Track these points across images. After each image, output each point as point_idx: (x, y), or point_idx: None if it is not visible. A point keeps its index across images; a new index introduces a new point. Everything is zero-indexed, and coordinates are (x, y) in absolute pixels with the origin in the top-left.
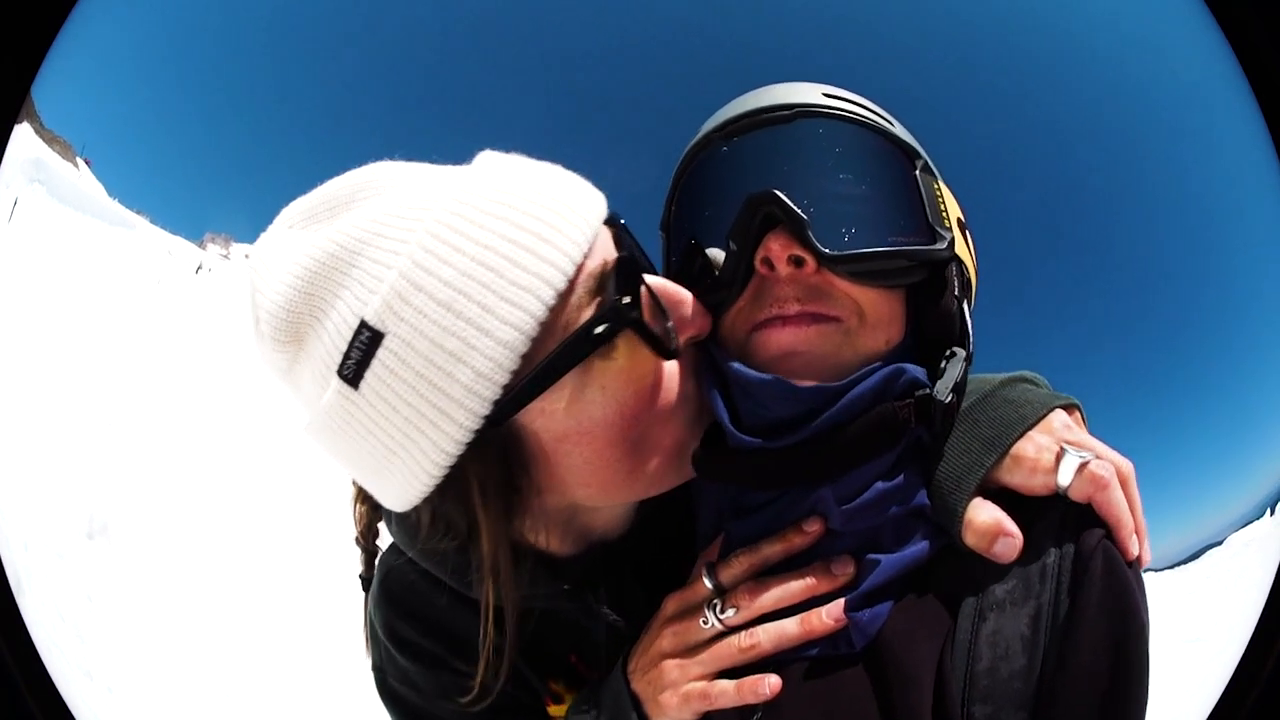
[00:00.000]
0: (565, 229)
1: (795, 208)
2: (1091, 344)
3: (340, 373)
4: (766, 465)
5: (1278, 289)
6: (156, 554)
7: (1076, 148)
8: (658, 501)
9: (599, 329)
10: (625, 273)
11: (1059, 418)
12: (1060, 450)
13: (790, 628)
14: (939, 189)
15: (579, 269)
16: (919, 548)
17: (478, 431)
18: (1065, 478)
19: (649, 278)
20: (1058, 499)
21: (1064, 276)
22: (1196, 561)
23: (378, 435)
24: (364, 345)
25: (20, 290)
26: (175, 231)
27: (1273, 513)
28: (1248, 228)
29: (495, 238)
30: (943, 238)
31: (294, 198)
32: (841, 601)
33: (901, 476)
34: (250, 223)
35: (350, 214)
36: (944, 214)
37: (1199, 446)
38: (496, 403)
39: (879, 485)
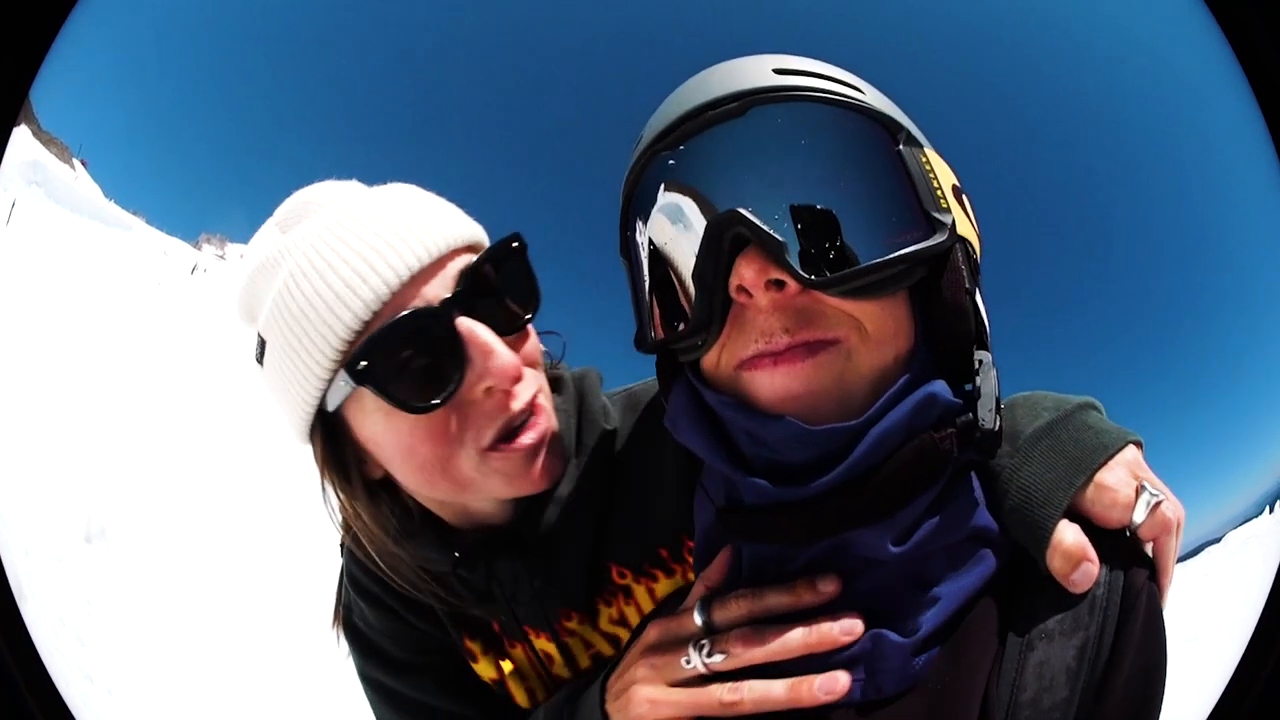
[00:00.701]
0: (366, 288)
1: (765, 227)
2: (1089, 335)
3: (254, 356)
4: (797, 518)
5: None
6: (155, 556)
7: (1075, 144)
8: (553, 498)
9: (343, 381)
10: (395, 330)
11: (1132, 452)
12: (1139, 486)
13: (777, 692)
14: (927, 160)
15: (378, 313)
16: (977, 574)
17: (312, 416)
18: (1140, 514)
19: (461, 323)
20: (1109, 531)
21: (1061, 270)
22: (1195, 559)
23: (273, 398)
24: (260, 341)
25: (19, 293)
26: (171, 232)
27: (1272, 510)
28: (1246, 225)
29: (322, 284)
30: (942, 225)
31: (257, 213)
32: (841, 676)
33: (955, 503)
34: (245, 223)
35: (288, 231)
36: (938, 192)
37: (1197, 442)
38: (316, 401)
39: (930, 523)
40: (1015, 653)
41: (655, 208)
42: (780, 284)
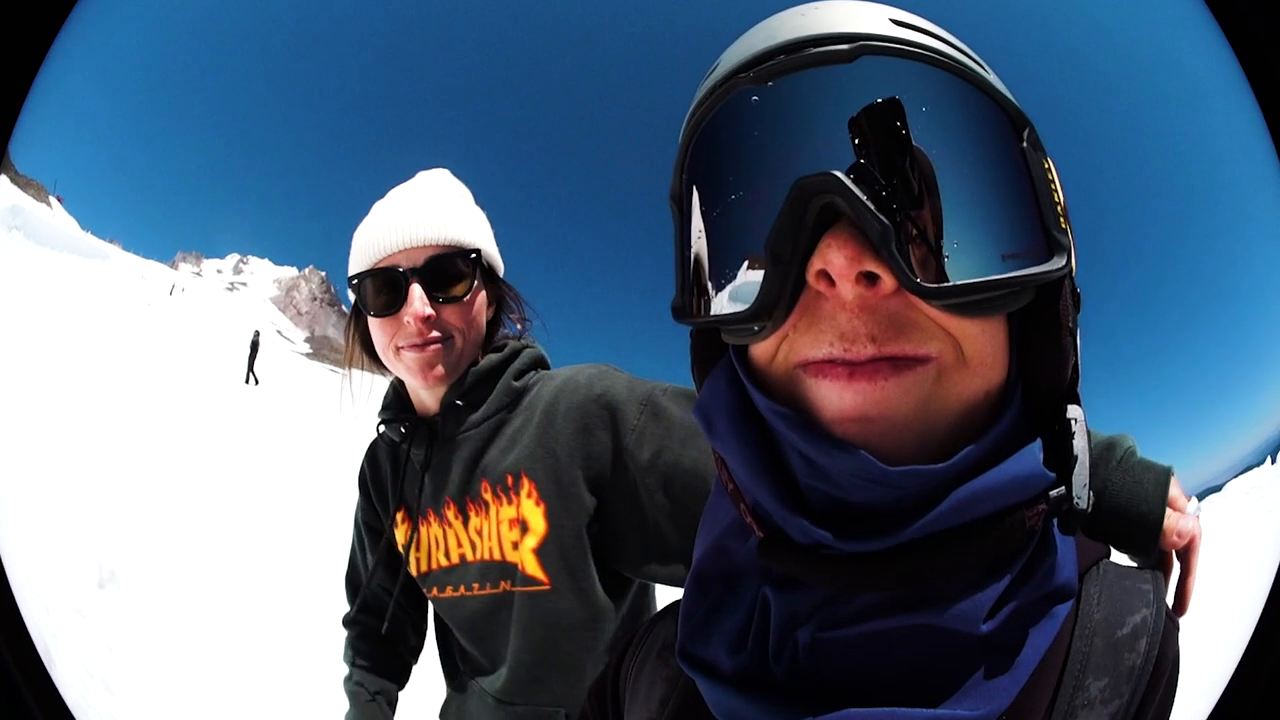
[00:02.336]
0: (375, 249)
1: (869, 203)
2: (1091, 287)
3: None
4: (849, 569)
5: None
6: (168, 590)
7: (1075, 136)
8: (463, 414)
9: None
10: (373, 274)
11: (1176, 484)
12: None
13: None
14: (1050, 168)
15: (377, 262)
16: (1047, 632)
17: (352, 305)
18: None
19: (412, 285)
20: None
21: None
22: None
23: None
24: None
25: (10, 336)
26: (147, 256)
27: (1274, 461)
28: (1249, 188)
29: (362, 238)
30: (1062, 248)
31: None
32: None
33: (1043, 565)
34: (220, 238)
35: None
36: (1060, 208)
37: (1198, 390)
38: (351, 298)
39: (1011, 606)
40: (1060, 716)
41: (726, 150)
42: (874, 278)
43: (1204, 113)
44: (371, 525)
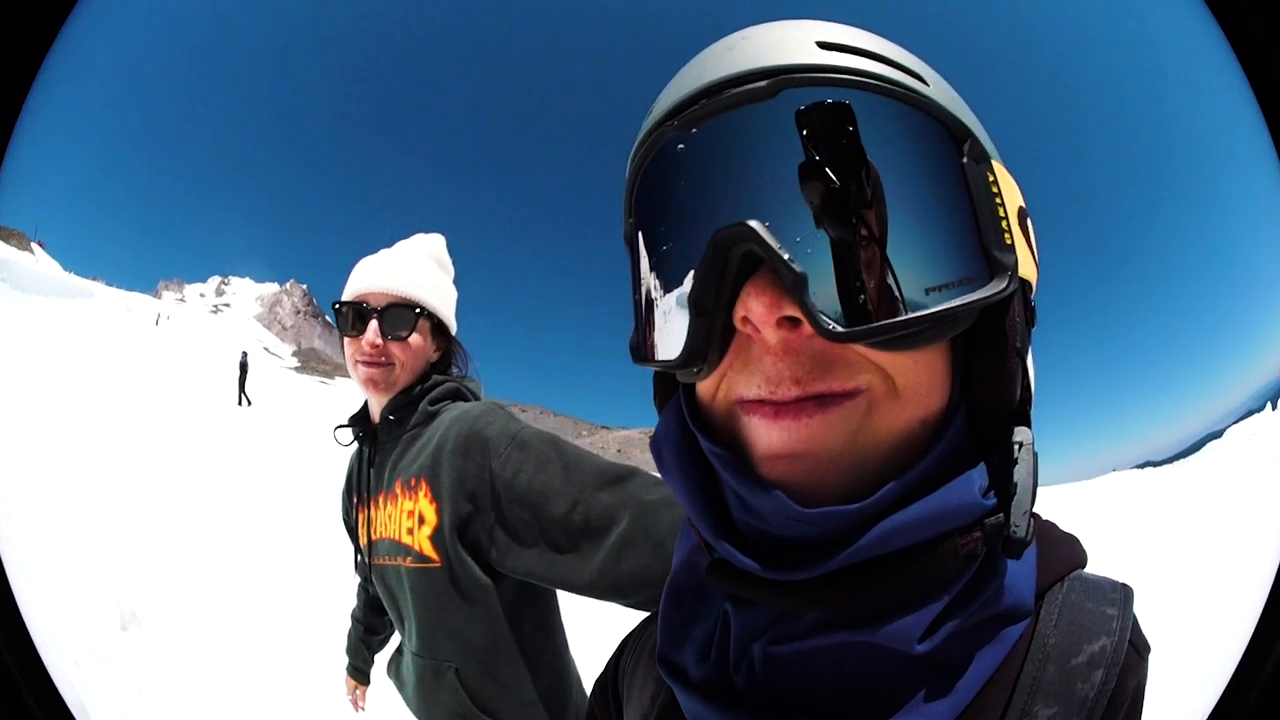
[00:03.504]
0: (352, 290)
1: (782, 250)
2: (1091, 233)
3: None
4: (784, 594)
5: None
6: (192, 625)
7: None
8: (398, 427)
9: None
10: (347, 306)
11: None
12: None
13: None
14: (995, 179)
15: (356, 298)
16: (995, 654)
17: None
18: None
19: (371, 322)
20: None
21: (1072, 177)
22: (1198, 454)
23: None
24: None
25: (9, 386)
26: (130, 288)
27: (1274, 407)
28: (1249, 135)
29: (356, 271)
30: (1003, 269)
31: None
32: None
33: (987, 589)
34: (199, 262)
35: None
36: (1004, 224)
37: (1197, 334)
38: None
39: (959, 615)
40: None
41: (658, 199)
42: (795, 322)
43: (1204, 112)
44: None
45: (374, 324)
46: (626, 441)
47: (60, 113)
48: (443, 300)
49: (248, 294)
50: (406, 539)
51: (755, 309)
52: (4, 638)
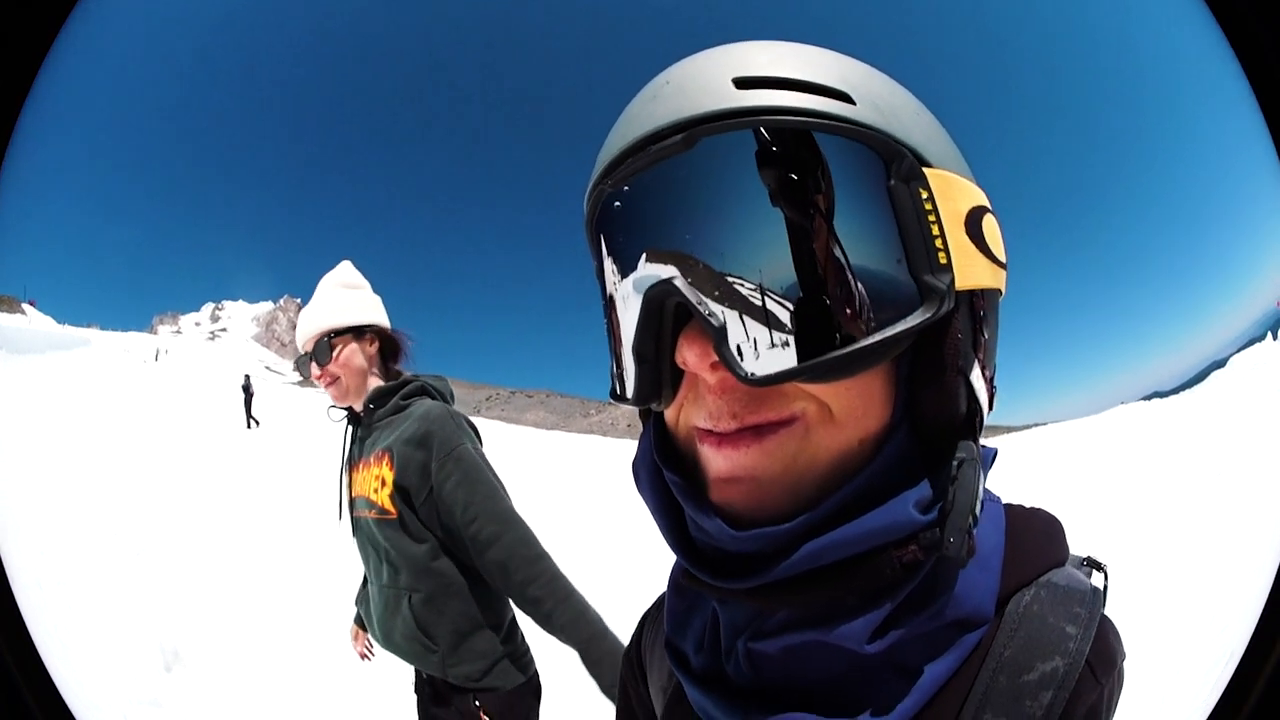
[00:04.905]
0: (297, 341)
1: (701, 305)
2: (1098, 170)
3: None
4: (737, 596)
5: None
6: (237, 657)
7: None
8: (369, 423)
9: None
10: (303, 353)
11: None
12: None
13: None
14: (928, 195)
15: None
16: (953, 658)
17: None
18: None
19: (312, 363)
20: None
21: (1070, 107)
22: (1203, 384)
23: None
24: None
25: (14, 449)
26: (126, 329)
27: (1275, 337)
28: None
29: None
30: (935, 292)
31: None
32: None
33: (939, 597)
34: (191, 292)
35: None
36: (938, 242)
37: (1199, 262)
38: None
39: (901, 631)
40: None
41: (603, 252)
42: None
43: (1203, 112)
44: None
45: (313, 365)
46: (636, 417)
47: (34, 175)
48: (350, 315)
49: (243, 316)
50: (373, 496)
51: (689, 358)
52: (4, 638)
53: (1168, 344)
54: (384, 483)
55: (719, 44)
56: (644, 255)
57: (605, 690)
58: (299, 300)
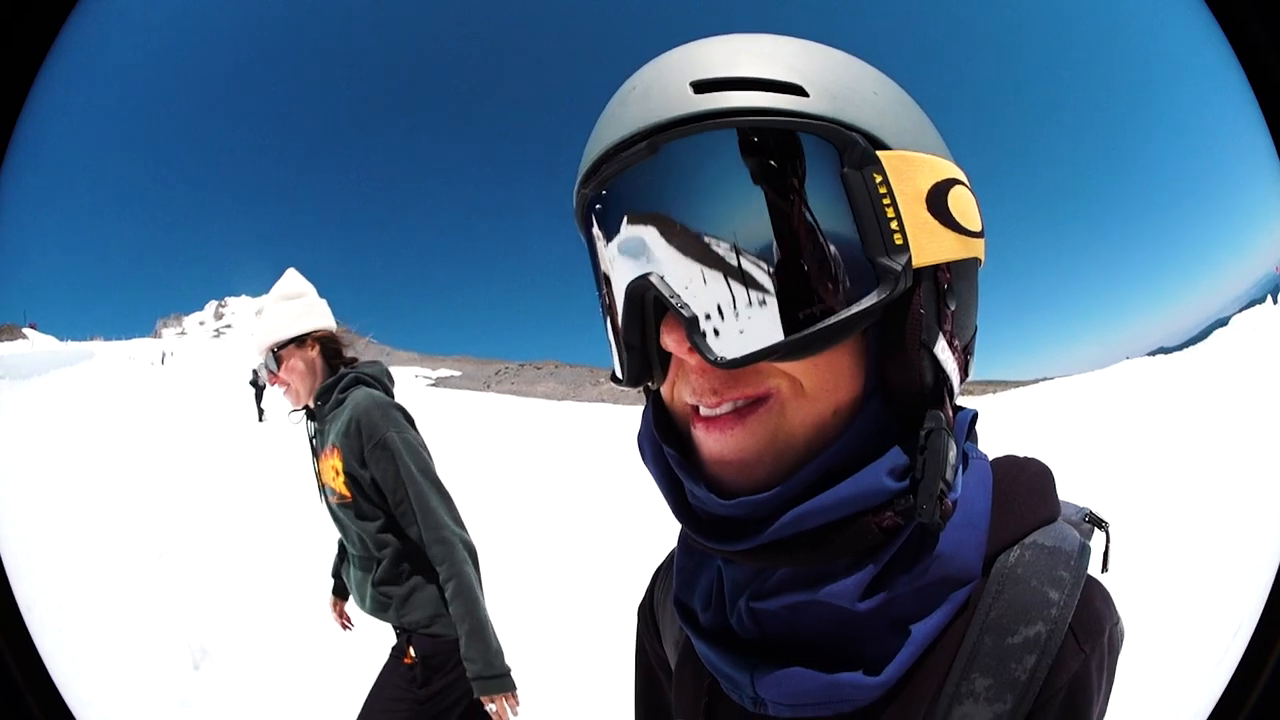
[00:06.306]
0: (254, 345)
1: (674, 298)
2: (1104, 134)
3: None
4: (732, 556)
5: None
6: (264, 650)
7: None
8: (319, 414)
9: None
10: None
11: None
12: None
13: None
14: (882, 179)
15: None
16: (943, 613)
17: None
18: None
19: (266, 370)
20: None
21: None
22: (1206, 341)
23: None
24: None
25: (26, 470)
26: (129, 336)
27: (1275, 300)
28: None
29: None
30: (890, 273)
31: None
32: None
33: (926, 556)
34: (193, 291)
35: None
36: (893, 224)
37: (1203, 220)
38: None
39: (889, 590)
40: (948, 702)
41: (591, 247)
42: None
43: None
44: None
45: (267, 376)
46: None
47: (23, 195)
48: (289, 328)
49: (246, 311)
50: (333, 483)
51: (670, 344)
52: (4, 638)
53: (1172, 301)
54: (337, 472)
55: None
56: (624, 218)
57: (472, 679)
58: None
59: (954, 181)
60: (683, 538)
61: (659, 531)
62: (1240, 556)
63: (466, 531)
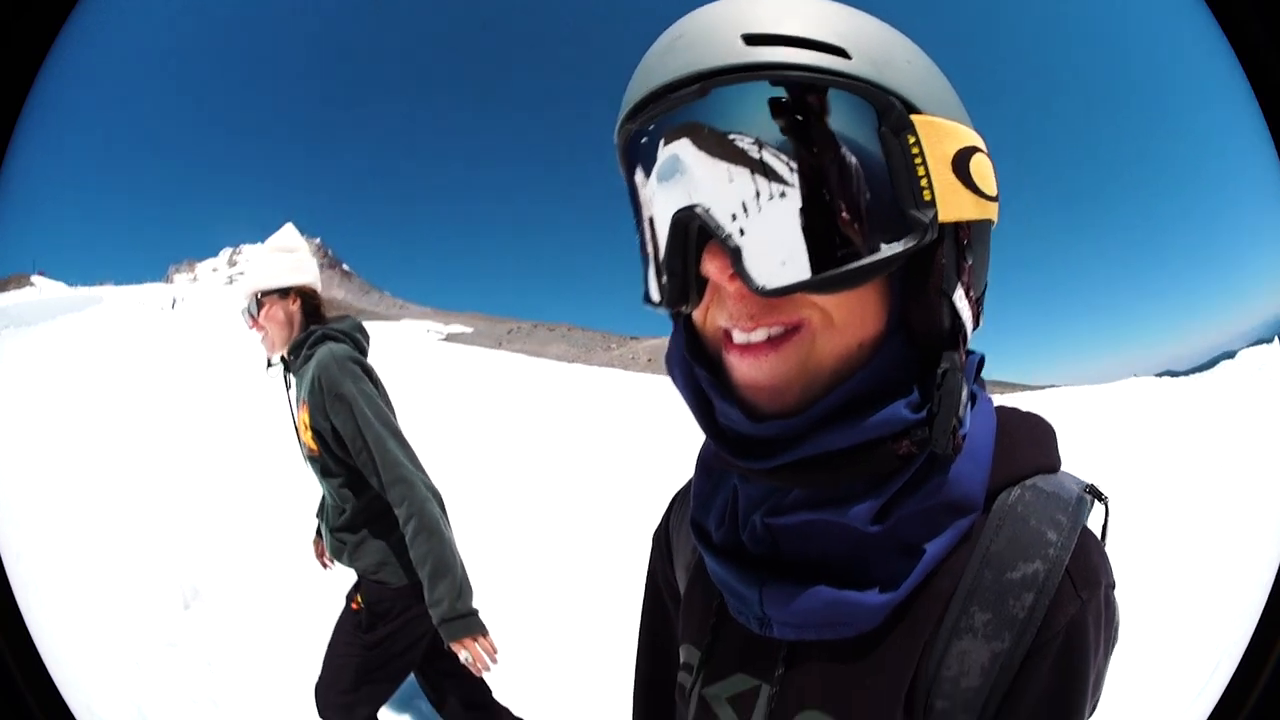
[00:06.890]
0: (241, 288)
1: (719, 228)
2: (1101, 155)
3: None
4: (756, 474)
5: None
6: (255, 591)
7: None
8: (294, 364)
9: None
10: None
11: None
12: None
13: None
14: (915, 140)
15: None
16: (949, 537)
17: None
18: None
19: (250, 310)
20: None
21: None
22: (1211, 371)
23: None
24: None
25: (33, 415)
26: (141, 281)
27: None
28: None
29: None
30: (918, 224)
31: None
32: None
33: (935, 477)
34: (207, 238)
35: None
36: (923, 181)
37: (1219, 252)
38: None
39: (900, 513)
40: (947, 634)
41: (633, 179)
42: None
43: (1203, 111)
44: None
45: (249, 315)
46: (656, 350)
47: (36, 139)
48: (276, 279)
49: None
50: (304, 437)
51: (711, 271)
52: (4, 638)
53: (1181, 327)
54: (305, 426)
55: None
56: (661, 140)
57: (438, 625)
58: (317, 239)
59: (975, 149)
60: (701, 463)
61: (664, 494)
62: (1236, 567)
63: (428, 475)
